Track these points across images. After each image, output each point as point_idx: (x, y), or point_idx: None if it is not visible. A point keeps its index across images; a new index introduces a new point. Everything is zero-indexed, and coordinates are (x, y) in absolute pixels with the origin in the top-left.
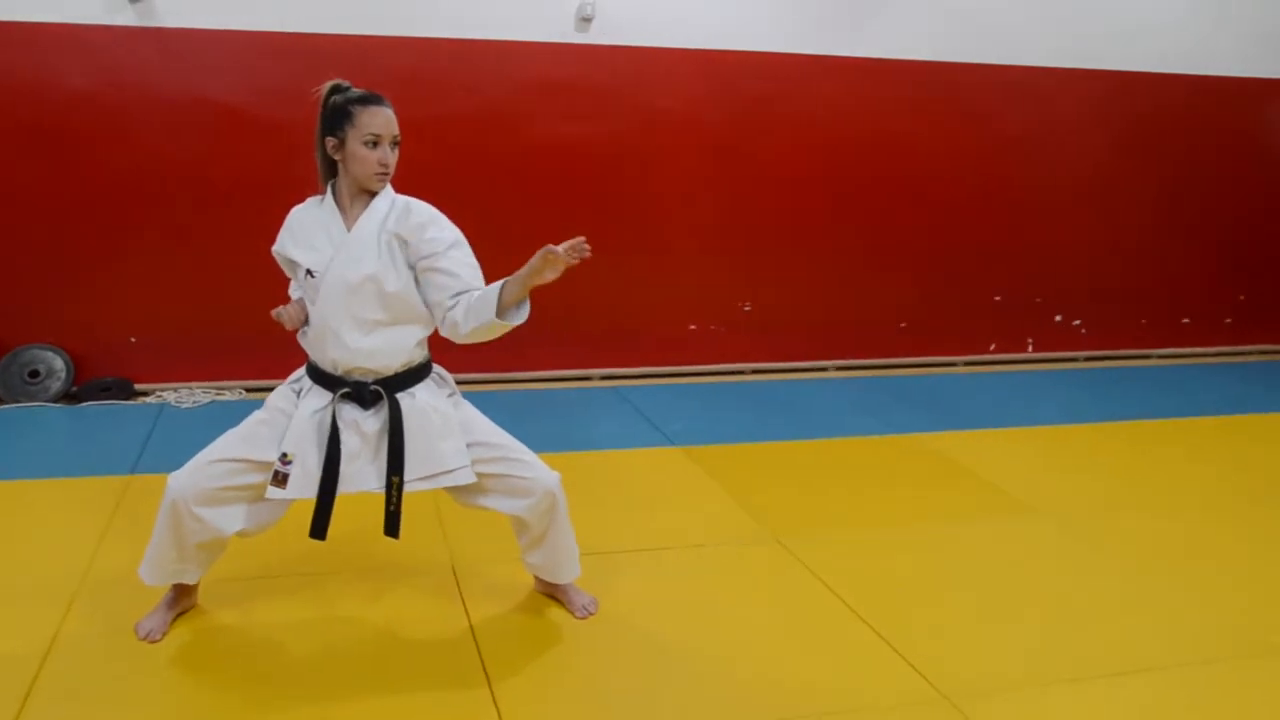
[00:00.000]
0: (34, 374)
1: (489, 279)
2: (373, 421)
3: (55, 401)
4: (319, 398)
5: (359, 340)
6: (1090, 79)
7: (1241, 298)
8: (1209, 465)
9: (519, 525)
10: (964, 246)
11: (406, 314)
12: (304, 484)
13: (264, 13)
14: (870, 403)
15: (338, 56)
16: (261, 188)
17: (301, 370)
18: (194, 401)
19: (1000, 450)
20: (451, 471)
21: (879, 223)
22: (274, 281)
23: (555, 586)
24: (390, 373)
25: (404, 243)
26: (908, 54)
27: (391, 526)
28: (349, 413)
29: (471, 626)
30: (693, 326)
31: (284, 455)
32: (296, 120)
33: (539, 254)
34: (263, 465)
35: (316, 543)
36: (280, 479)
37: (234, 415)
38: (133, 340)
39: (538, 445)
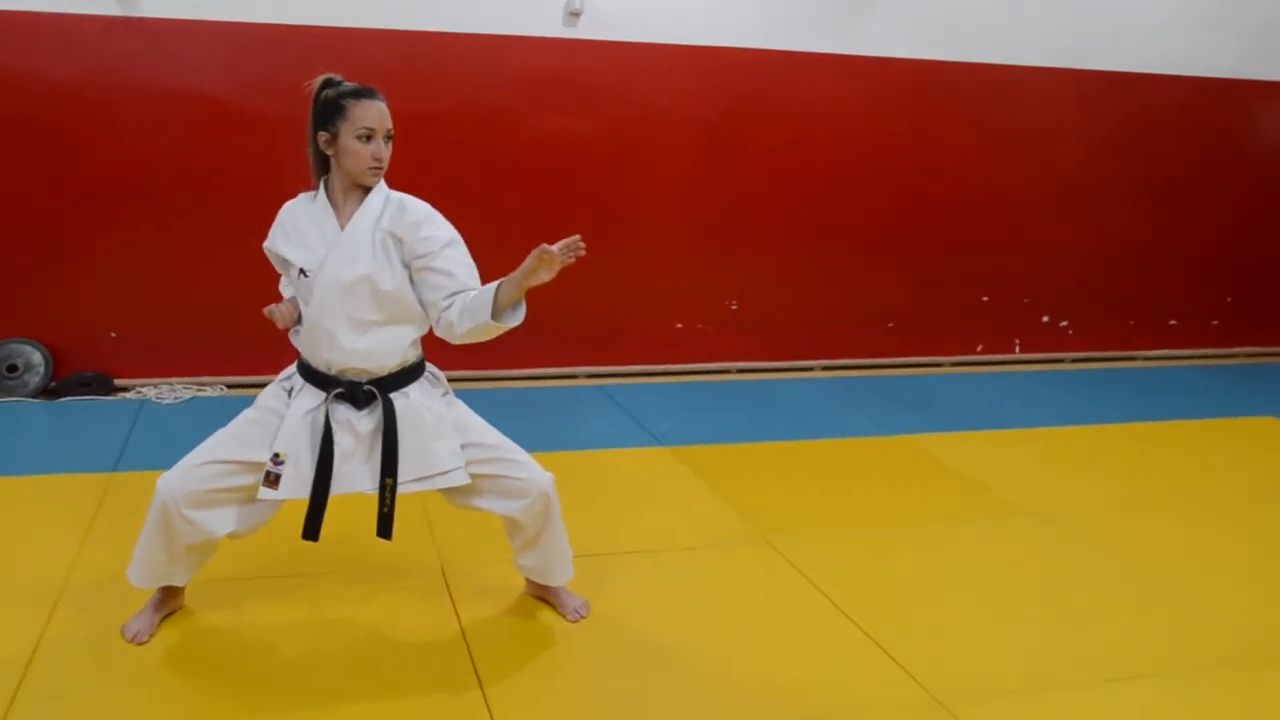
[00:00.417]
0: (12, 368)
1: (483, 282)
2: (366, 422)
3: (34, 397)
4: (312, 397)
5: (354, 341)
6: (1078, 79)
7: (1229, 300)
8: (1200, 467)
9: (512, 527)
10: (952, 246)
11: (401, 314)
12: (296, 484)
13: (250, 4)
14: (858, 403)
15: (326, 49)
16: (247, 182)
17: (292, 368)
18: (175, 398)
19: (989, 451)
20: (446, 473)
21: (867, 222)
22: (258, 277)
23: (546, 589)
24: (384, 373)
25: (399, 241)
26: (900, 52)
27: (384, 528)
28: (342, 413)
29: (462, 629)
30: (679, 325)
31: (276, 455)
32: (284, 114)
33: (534, 254)
34: (254, 466)
35: (305, 543)
36: (272, 480)
37: (215, 411)
38: (113, 335)
39: (525, 445)
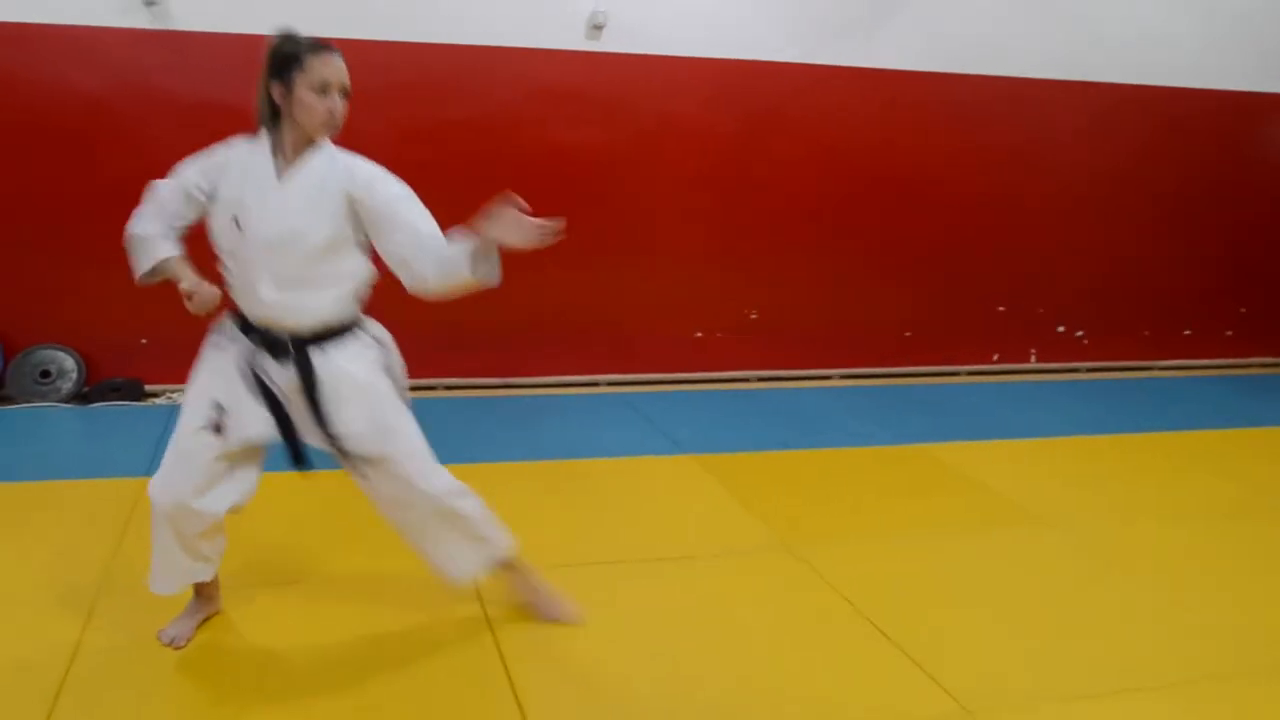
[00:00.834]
0: (45, 374)
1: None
2: (283, 374)
3: (66, 402)
4: (241, 346)
5: (272, 294)
6: (1094, 92)
7: (1242, 310)
8: (1220, 477)
9: (391, 521)
10: (968, 256)
11: (329, 272)
12: (239, 428)
13: (280, 17)
14: (876, 411)
15: (351, 62)
16: None
17: (223, 321)
18: None
19: (1008, 461)
20: (339, 437)
21: (884, 232)
22: None
23: (527, 591)
24: (306, 330)
25: (357, 201)
26: (915, 65)
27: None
28: (264, 363)
29: (495, 638)
30: (699, 334)
31: (218, 404)
32: None
33: (505, 212)
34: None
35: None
36: (216, 428)
37: None
38: (144, 341)
39: (545, 451)
